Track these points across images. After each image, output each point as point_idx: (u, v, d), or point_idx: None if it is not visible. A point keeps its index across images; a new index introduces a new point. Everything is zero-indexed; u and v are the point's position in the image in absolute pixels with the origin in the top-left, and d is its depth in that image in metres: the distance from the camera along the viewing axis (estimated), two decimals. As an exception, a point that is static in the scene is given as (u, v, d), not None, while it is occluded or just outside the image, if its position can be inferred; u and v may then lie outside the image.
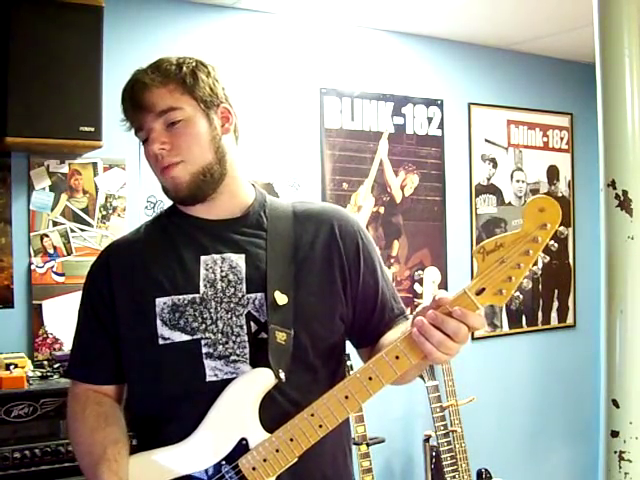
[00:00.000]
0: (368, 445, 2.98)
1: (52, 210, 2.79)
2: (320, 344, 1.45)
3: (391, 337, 1.46)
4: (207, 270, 1.43)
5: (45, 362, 2.62)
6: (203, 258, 1.43)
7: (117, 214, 2.91)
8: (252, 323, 1.41)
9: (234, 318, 1.40)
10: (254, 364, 1.38)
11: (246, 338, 1.40)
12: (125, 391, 1.53)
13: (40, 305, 2.75)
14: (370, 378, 1.31)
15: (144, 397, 1.46)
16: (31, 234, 2.75)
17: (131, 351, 1.45)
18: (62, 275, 2.79)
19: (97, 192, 2.88)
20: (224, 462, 1.35)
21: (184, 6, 3.05)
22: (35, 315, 2.74)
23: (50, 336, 2.74)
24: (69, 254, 2.81)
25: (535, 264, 1.29)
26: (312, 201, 1.60)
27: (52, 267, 2.78)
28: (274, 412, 1.37)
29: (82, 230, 2.85)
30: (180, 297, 1.41)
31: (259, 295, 1.41)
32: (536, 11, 3.30)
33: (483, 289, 1.27)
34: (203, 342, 1.39)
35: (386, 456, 3.46)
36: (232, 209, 1.49)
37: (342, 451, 1.51)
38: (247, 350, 1.39)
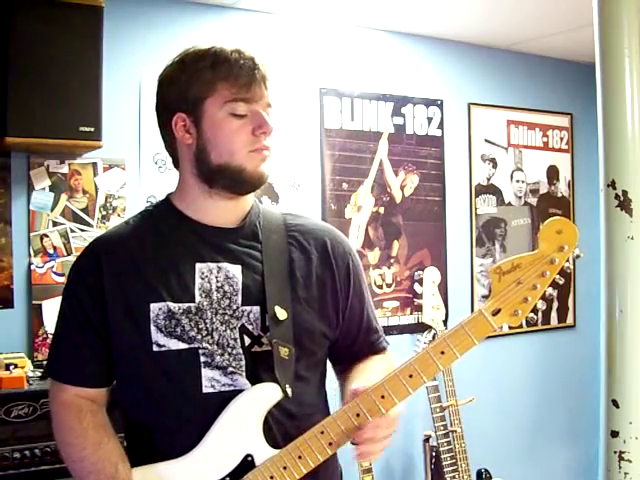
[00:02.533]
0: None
1: (52, 210, 2.79)
2: (311, 358, 1.47)
3: (371, 363, 1.52)
4: (203, 279, 1.40)
5: (45, 362, 2.62)
6: (198, 265, 1.40)
7: (117, 214, 2.91)
8: (245, 336, 1.40)
9: (228, 330, 1.39)
10: (250, 377, 1.38)
11: (241, 351, 1.39)
12: (109, 393, 1.48)
13: (40, 305, 2.74)
14: (383, 397, 1.32)
15: (137, 404, 1.43)
16: (31, 234, 2.75)
17: (123, 355, 1.41)
18: (62, 275, 2.79)
19: (97, 192, 2.88)
20: (229, 478, 1.33)
21: (184, 6, 3.05)
22: (35, 315, 2.74)
23: (50, 336, 2.74)
24: (69, 254, 2.81)
25: (550, 285, 1.31)
26: (302, 215, 1.59)
27: (52, 267, 2.78)
28: (273, 427, 1.37)
29: (82, 230, 2.85)
30: (176, 305, 1.37)
31: (254, 308, 1.41)
32: (536, 11, 3.30)
33: (499, 310, 1.30)
34: (201, 351, 1.37)
35: (386, 456, 3.46)
36: (234, 217, 1.47)
37: (335, 468, 1.53)
38: (243, 362, 1.38)
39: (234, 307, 1.40)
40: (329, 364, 1.59)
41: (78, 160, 2.83)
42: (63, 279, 2.79)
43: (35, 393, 2.29)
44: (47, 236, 2.78)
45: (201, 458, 1.34)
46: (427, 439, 3.23)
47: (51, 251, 2.78)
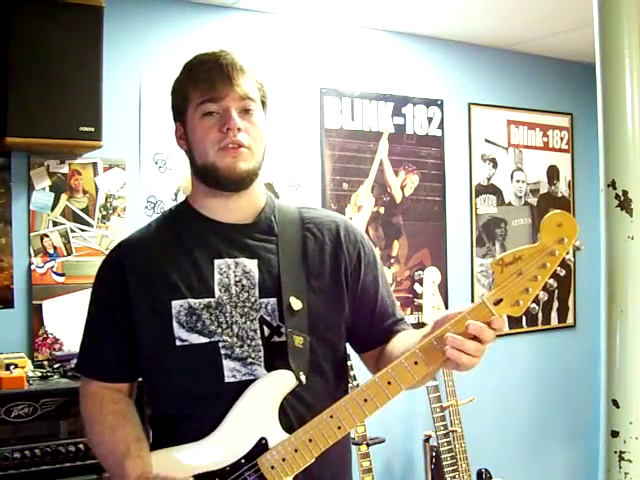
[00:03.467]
0: (368, 445, 2.98)
1: (52, 210, 2.79)
2: (328, 348, 1.51)
3: (399, 343, 1.52)
4: (221, 274, 1.46)
5: (45, 362, 2.62)
6: (217, 262, 1.47)
7: (117, 214, 2.91)
8: (265, 327, 1.45)
9: (248, 322, 1.45)
10: (268, 367, 1.43)
11: (260, 342, 1.44)
12: (136, 386, 1.56)
13: (40, 305, 2.74)
14: (389, 382, 1.35)
15: (162, 396, 1.49)
16: (31, 234, 2.75)
17: (147, 351, 1.48)
18: (62, 275, 2.79)
19: (97, 192, 2.88)
20: (244, 460, 1.39)
21: (184, 6, 3.05)
22: (35, 315, 2.74)
23: (50, 336, 2.74)
24: (69, 254, 2.81)
25: (551, 277, 1.34)
26: (316, 207, 1.66)
27: (52, 267, 2.78)
28: (289, 413, 1.42)
29: (82, 230, 2.85)
30: (196, 301, 1.44)
31: (271, 300, 1.46)
32: (536, 11, 3.30)
33: (501, 300, 1.32)
34: (221, 344, 1.43)
35: (386, 456, 3.46)
36: (247, 213, 1.52)
37: (347, 449, 1.61)
38: (262, 353, 1.44)
39: (252, 300, 1.46)
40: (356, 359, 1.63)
41: (78, 160, 2.83)
42: (63, 279, 2.79)
43: (35, 393, 2.29)
44: (47, 236, 2.78)
45: (218, 441, 1.40)
46: (427, 439, 3.23)
47: (51, 251, 2.78)
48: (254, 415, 1.40)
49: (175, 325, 1.43)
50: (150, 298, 1.45)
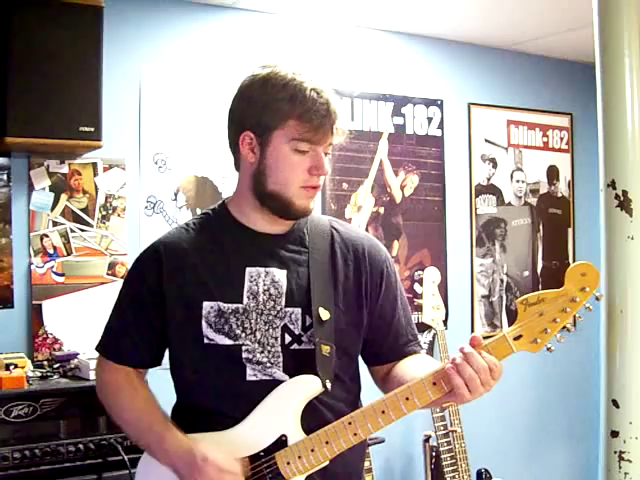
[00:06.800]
0: (368, 445, 2.97)
1: (52, 210, 2.79)
2: (347, 358, 1.59)
3: (410, 368, 1.59)
4: (251, 282, 1.54)
5: (45, 362, 2.62)
6: (248, 269, 1.55)
7: (117, 214, 2.91)
8: (286, 335, 1.53)
9: (270, 330, 1.53)
10: (287, 371, 1.51)
11: (279, 349, 1.52)
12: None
13: (40, 305, 2.74)
14: (407, 398, 1.45)
15: (188, 388, 1.58)
16: (31, 234, 2.75)
17: (178, 346, 1.57)
18: (62, 275, 2.79)
19: (97, 192, 2.88)
20: (262, 453, 1.48)
21: (184, 6, 3.05)
22: (35, 315, 2.74)
23: (50, 336, 2.74)
24: (69, 254, 2.81)
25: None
26: (346, 223, 1.73)
27: (52, 267, 2.78)
28: (312, 416, 1.50)
29: (82, 230, 2.85)
30: (226, 305, 1.52)
31: (296, 310, 1.54)
32: (536, 11, 3.30)
33: (520, 336, 1.45)
34: (244, 348, 1.52)
35: (386, 456, 3.46)
36: (281, 224, 1.59)
37: (363, 453, 1.70)
38: (280, 360, 1.52)
39: (278, 308, 1.54)
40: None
41: (78, 160, 2.83)
42: (63, 279, 2.79)
43: (35, 393, 2.28)
44: (47, 236, 2.78)
45: (241, 434, 1.49)
46: (427, 439, 3.23)
47: (51, 251, 2.78)
48: (278, 414, 1.48)
49: (204, 324, 1.51)
50: (182, 293, 1.53)
